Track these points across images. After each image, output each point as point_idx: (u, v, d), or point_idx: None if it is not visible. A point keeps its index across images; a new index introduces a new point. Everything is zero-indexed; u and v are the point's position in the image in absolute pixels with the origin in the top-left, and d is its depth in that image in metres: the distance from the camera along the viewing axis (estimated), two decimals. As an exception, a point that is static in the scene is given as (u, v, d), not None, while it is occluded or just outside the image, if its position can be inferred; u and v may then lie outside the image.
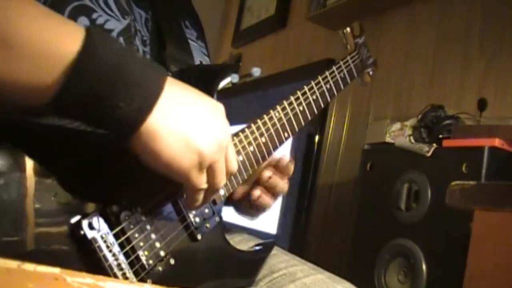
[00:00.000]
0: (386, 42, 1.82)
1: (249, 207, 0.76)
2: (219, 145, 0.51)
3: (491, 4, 1.48)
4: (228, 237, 0.67)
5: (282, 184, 0.76)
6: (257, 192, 0.74)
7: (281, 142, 0.72)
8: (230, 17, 3.04)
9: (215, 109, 0.53)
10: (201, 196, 0.54)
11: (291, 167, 0.77)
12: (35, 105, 0.44)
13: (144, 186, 0.55)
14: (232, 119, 0.95)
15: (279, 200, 1.97)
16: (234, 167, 0.55)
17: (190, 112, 0.50)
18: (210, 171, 0.52)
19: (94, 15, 0.59)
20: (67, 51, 0.43)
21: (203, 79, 0.64)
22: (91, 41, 0.43)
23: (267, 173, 0.74)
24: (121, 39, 0.62)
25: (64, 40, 0.43)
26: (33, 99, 0.44)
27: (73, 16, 0.57)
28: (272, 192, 0.76)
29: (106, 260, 0.50)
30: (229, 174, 0.55)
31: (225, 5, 3.19)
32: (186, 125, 0.48)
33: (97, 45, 0.44)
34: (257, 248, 0.74)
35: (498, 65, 1.41)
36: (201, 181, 0.51)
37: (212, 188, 0.53)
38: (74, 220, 0.49)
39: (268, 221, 2.04)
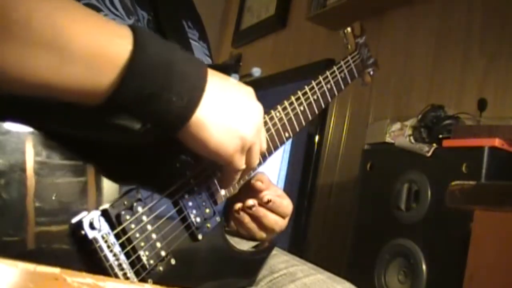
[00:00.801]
0: (386, 42, 1.82)
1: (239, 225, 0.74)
2: (257, 129, 0.55)
3: (491, 4, 1.48)
4: (228, 237, 0.67)
5: (273, 219, 0.72)
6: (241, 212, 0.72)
7: (281, 142, 0.72)
8: (230, 17, 3.04)
9: (249, 93, 0.56)
10: (238, 176, 0.58)
11: (285, 206, 0.73)
12: (86, 107, 0.45)
13: (145, 186, 0.55)
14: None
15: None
16: (265, 147, 0.60)
17: (231, 100, 0.53)
18: (249, 152, 0.56)
19: (100, 14, 0.59)
20: (120, 52, 0.44)
21: None
22: (140, 40, 0.45)
23: (250, 201, 0.71)
24: None
25: (115, 40, 0.44)
26: (86, 101, 0.44)
27: None
28: (260, 221, 0.72)
29: (107, 260, 0.50)
30: (262, 154, 0.60)
31: (225, 5, 3.19)
32: (229, 113, 0.52)
33: (146, 44, 0.45)
34: (258, 248, 0.74)
35: (498, 65, 1.41)
36: (242, 162, 0.56)
37: (249, 168, 0.58)
38: (75, 220, 0.49)
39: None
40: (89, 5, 0.58)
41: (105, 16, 0.59)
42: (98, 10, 0.59)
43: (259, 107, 0.56)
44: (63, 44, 0.41)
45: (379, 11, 1.86)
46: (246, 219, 0.73)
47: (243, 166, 0.56)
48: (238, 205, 0.73)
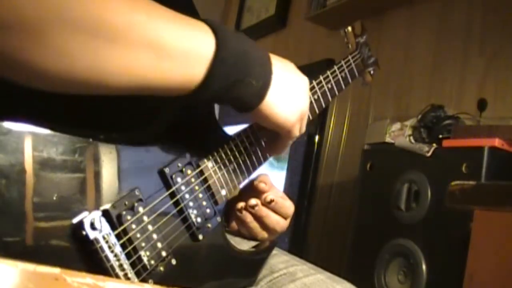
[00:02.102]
0: (386, 42, 1.82)
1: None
2: (309, 101, 0.63)
3: (491, 4, 1.48)
4: (229, 237, 0.67)
5: (275, 219, 0.72)
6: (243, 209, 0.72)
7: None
8: (230, 17, 3.04)
9: (296, 69, 0.62)
10: (291, 143, 0.66)
11: (287, 207, 0.73)
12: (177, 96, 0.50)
13: (146, 186, 0.55)
14: (233, 119, 0.95)
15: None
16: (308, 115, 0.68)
17: (290, 78, 0.59)
18: (302, 121, 0.63)
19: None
20: (207, 46, 0.49)
21: None
22: (220, 34, 0.50)
23: (253, 201, 0.71)
24: None
25: (201, 36, 0.49)
26: (178, 93, 0.50)
27: None
28: (262, 221, 0.72)
29: (108, 260, 0.50)
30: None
31: (225, 5, 3.19)
32: (292, 90, 0.59)
33: (226, 37, 0.50)
34: (258, 248, 0.73)
35: (498, 65, 1.41)
36: (298, 131, 0.63)
37: (300, 135, 0.66)
38: (76, 220, 0.49)
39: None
40: None
41: None
42: None
43: (306, 80, 0.63)
44: (161, 44, 0.46)
45: (379, 11, 1.86)
46: (249, 218, 0.73)
47: (298, 134, 0.64)
48: (241, 204, 0.73)
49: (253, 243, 0.80)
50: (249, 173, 0.67)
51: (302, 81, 0.62)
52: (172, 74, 0.47)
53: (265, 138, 0.68)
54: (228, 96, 0.52)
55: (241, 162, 0.65)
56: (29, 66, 0.41)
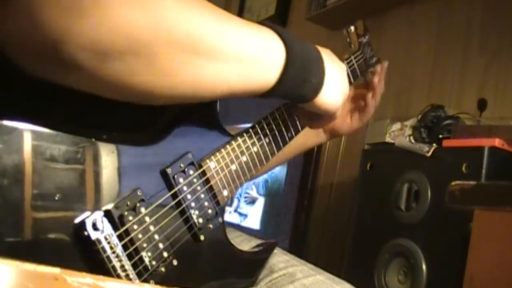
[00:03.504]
0: (386, 42, 1.82)
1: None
2: (348, 85, 0.68)
3: (491, 4, 1.48)
4: (229, 236, 0.67)
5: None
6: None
7: (284, 143, 0.72)
8: (230, 17, 3.04)
9: (336, 58, 0.67)
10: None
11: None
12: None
13: (148, 187, 0.55)
14: (233, 119, 0.95)
15: (279, 200, 1.97)
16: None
17: (336, 69, 0.64)
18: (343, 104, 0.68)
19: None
20: (278, 52, 0.54)
21: None
22: (286, 39, 0.55)
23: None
24: None
25: (272, 44, 0.54)
26: (255, 95, 0.55)
27: None
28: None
29: (110, 261, 0.50)
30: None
31: (225, 5, 3.19)
32: (338, 79, 0.64)
33: (291, 42, 0.55)
34: (259, 248, 0.74)
35: (498, 65, 1.41)
36: (340, 112, 0.68)
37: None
38: (77, 220, 0.49)
39: (268, 221, 2.04)
40: None
41: None
42: None
43: (344, 66, 0.69)
44: (245, 54, 0.51)
45: (379, 11, 1.86)
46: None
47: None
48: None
49: (254, 243, 0.80)
50: (251, 173, 0.67)
51: (342, 69, 0.67)
52: (252, 80, 0.53)
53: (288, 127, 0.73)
54: (292, 94, 0.58)
55: (243, 162, 0.65)
56: (139, 89, 0.45)
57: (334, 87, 0.64)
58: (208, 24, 0.48)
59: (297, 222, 1.88)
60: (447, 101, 1.48)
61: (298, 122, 0.74)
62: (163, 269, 0.55)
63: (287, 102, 0.74)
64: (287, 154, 0.91)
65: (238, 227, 2.03)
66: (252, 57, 0.52)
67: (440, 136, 1.24)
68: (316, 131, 0.93)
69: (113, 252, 0.50)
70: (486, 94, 1.39)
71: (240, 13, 2.87)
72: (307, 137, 0.90)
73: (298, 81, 0.57)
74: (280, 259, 0.77)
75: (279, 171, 1.97)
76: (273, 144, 0.70)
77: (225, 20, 0.52)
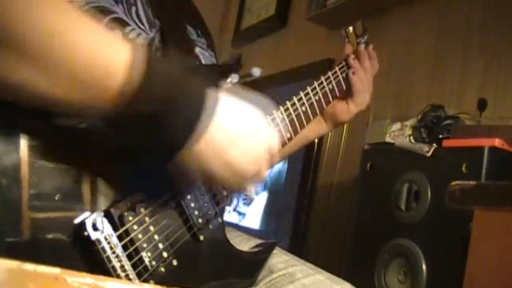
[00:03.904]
0: (386, 42, 1.82)
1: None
2: (258, 165, 0.56)
3: (491, 4, 1.48)
4: (228, 236, 0.67)
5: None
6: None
7: (283, 143, 0.72)
8: (230, 17, 3.04)
9: (256, 126, 0.56)
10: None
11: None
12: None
13: (148, 188, 0.55)
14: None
15: (279, 200, 1.97)
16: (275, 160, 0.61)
17: (244, 123, 0.54)
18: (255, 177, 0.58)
19: (127, 29, 0.60)
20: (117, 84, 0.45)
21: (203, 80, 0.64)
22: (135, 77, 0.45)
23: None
24: None
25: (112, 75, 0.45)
26: (97, 113, 0.47)
27: (109, 29, 0.57)
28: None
29: (110, 261, 0.50)
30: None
31: (225, 5, 3.19)
32: (231, 151, 0.52)
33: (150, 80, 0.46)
34: (259, 248, 0.74)
35: (498, 65, 1.41)
36: (243, 187, 0.58)
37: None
38: (77, 220, 0.49)
39: (268, 221, 2.04)
40: (117, 19, 0.58)
41: (132, 30, 0.60)
42: (126, 24, 0.60)
43: (263, 136, 0.56)
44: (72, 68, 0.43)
45: (379, 11, 1.86)
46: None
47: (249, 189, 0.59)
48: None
49: (253, 243, 0.80)
50: None
51: (254, 138, 0.55)
52: (82, 100, 0.45)
53: None
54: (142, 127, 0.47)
55: None
56: None
57: (224, 162, 0.52)
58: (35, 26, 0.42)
59: (297, 222, 1.88)
60: (447, 101, 1.48)
61: (296, 123, 0.74)
62: (163, 269, 0.55)
63: (285, 102, 0.74)
64: (290, 148, 0.89)
65: (237, 226, 2.04)
66: (80, 80, 0.44)
67: (440, 136, 1.24)
68: (317, 121, 0.91)
69: (113, 253, 0.50)
70: (486, 94, 1.39)
71: (240, 13, 2.87)
72: (309, 129, 0.86)
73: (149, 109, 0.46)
74: (279, 259, 0.77)
75: (279, 171, 1.97)
76: None
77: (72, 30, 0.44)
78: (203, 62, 0.75)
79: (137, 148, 0.49)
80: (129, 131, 0.47)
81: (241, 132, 0.53)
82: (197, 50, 0.76)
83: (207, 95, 0.49)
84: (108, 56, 0.45)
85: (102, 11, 0.57)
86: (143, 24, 0.62)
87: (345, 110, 0.92)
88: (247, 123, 0.54)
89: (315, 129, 0.92)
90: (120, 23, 0.59)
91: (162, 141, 0.48)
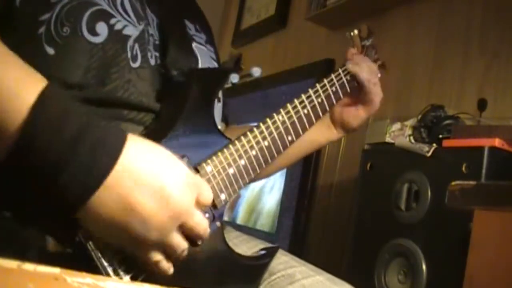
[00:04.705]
0: (386, 42, 1.82)
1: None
2: (163, 228, 0.50)
3: (491, 4, 1.48)
4: (227, 237, 0.66)
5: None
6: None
7: (284, 146, 0.71)
8: (230, 17, 3.04)
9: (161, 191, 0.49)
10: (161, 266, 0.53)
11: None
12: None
13: None
14: (232, 119, 0.95)
15: (279, 200, 1.97)
16: (198, 231, 0.54)
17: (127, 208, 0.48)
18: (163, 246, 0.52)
19: (113, 21, 0.59)
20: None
21: (203, 84, 0.64)
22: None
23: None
24: (136, 46, 0.62)
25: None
26: None
27: (92, 22, 0.57)
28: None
29: (102, 266, 0.49)
30: (197, 238, 0.55)
31: (225, 5, 3.19)
32: (137, 195, 0.48)
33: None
34: (260, 253, 0.73)
35: (498, 65, 1.41)
36: (155, 258, 0.52)
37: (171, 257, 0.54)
38: (70, 225, 0.49)
39: (268, 221, 2.04)
40: (101, 11, 0.58)
41: (117, 22, 0.60)
42: (110, 16, 0.59)
43: (171, 203, 0.49)
44: None
45: (379, 11, 1.86)
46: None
47: (155, 259, 0.52)
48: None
49: (253, 244, 0.79)
50: (250, 176, 0.66)
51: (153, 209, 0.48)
52: None
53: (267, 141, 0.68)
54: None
55: (241, 165, 0.65)
56: None
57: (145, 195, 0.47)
58: None
59: (297, 222, 1.88)
60: (447, 101, 1.48)
61: (298, 126, 0.74)
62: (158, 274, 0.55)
63: (286, 105, 0.74)
64: (297, 152, 0.89)
65: (237, 226, 2.03)
66: None
67: (440, 136, 1.24)
68: (328, 126, 0.91)
69: (106, 257, 0.50)
70: (486, 94, 1.39)
71: (240, 13, 2.87)
72: (319, 134, 0.87)
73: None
74: (279, 260, 0.76)
75: (279, 171, 1.97)
76: (272, 148, 0.69)
77: None
78: (199, 59, 0.75)
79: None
80: (22, 182, 0.45)
81: (150, 180, 0.48)
82: (194, 45, 0.76)
83: (104, 145, 0.46)
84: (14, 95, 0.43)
85: (85, 2, 0.57)
86: (129, 16, 0.62)
87: (355, 115, 0.92)
88: (159, 166, 0.49)
89: (326, 135, 0.92)
90: (104, 14, 0.59)
91: (60, 193, 0.45)
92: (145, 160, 0.49)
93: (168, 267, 0.53)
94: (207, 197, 0.55)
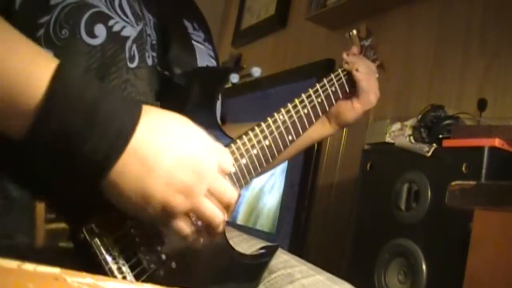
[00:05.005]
0: (386, 42, 1.82)
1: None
2: (190, 191, 0.48)
3: (491, 4, 1.48)
4: (228, 236, 0.66)
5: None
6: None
7: (285, 145, 0.72)
8: (230, 17, 3.04)
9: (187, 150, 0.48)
10: (191, 235, 0.51)
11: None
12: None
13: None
14: (232, 119, 0.95)
15: (279, 200, 1.96)
16: (229, 196, 0.51)
17: (184, 145, 0.48)
18: (195, 214, 0.50)
19: (111, 22, 0.59)
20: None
21: (204, 83, 0.64)
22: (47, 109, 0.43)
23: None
24: (134, 46, 0.62)
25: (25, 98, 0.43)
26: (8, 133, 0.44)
27: (90, 24, 0.57)
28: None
29: (106, 263, 0.50)
30: (227, 206, 0.52)
31: (225, 5, 3.19)
32: (164, 161, 0.46)
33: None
34: (260, 252, 0.73)
35: (498, 65, 1.41)
36: (183, 227, 0.50)
37: (206, 229, 0.52)
38: (75, 223, 0.49)
39: (268, 221, 2.04)
40: (99, 13, 0.58)
41: (116, 23, 0.60)
42: (108, 17, 0.59)
43: (198, 162, 0.48)
44: None
45: (379, 11, 1.86)
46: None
47: (187, 230, 0.50)
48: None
49: (253, 243, 0.79)
50: (251, 175, 0.67)
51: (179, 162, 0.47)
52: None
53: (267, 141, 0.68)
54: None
55: (242, 164, 0.65)
56: None
57: (136, 190, 0.46)
58: None
59: (297, 222, 1.88)
60: (447, 101, 1.48)
61: (298, 125, 0.74)
62: (161, 272, 0.55)
63: (286, 104, 0.74)
64: (293, 149, 0.88)
65: (237, 226, 2.03)
66: None
67: (440, 136, 1.24)
68: (322, 122, 0.91)
69: (110, 255, 0.50)
70: (486, 94, 1.39)
71: (240, 13, 2.87)
72: (313, 130, 0.85)
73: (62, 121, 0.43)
74: (279, 259, 0.77)
75: (279, 171, 1.97)
76: (273, 147, 0.70)
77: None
78: (198, 57, 0.75)
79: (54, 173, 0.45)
80: (42, 157, 0.44)
81: (172, 142, 0.47)
82: (192, 43, 0.76)
83: (126, 109, 0.46)
84: (27, 72, 0.44)
85: (84, 5, 0.57)
86: (127, 17, 0.62)
87: (350, 110, 0.91)
88: (180, 134, 0.48)
89: (319, 130, 0.92)
90: (102, 16, 0.59)
91: (79, 166, 0.44)
92: (167, 122, 0.48)
93: (196, 238, 0.51)
94: (228, 163, 0.53)
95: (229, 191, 0.52)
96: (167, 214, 0.48)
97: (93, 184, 0.45)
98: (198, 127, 0.51)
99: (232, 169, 0.54)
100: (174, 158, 0.47)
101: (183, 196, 0.47)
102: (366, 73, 0.88)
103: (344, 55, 0.87)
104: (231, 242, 0.66)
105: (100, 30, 0.58)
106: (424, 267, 1.13)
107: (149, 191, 0.46)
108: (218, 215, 0.51)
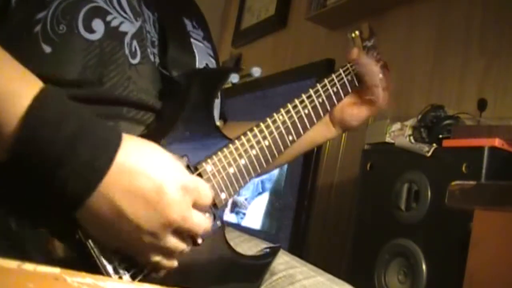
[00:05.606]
0: (386, 42, 1.82)
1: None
2: (156, 236, 0.50)
3: (491, 4, 1.48)
4: (228, 237, 0.66)
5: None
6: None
7: (285, 146, 0.71)
8: (230, 17, 3.04)
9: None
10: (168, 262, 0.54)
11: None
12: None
13: None
14: (233, 119, 0.95)
15: (279, 200, 1.95)
16: (199, 233, 0.54)
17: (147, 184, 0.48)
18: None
19: (109, 17, 0.59)
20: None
21: (204, 84, 0.64)
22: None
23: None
24: (134, 42, 0.62)
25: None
26: None
27: (88, 19, 0.57)
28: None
29: (102, 263, 0.49)
30: (197, 238, 0.55)
31: (225, 5, 3.19)
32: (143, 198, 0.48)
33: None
34: (262, 253, 0.73)
35: (498, 65, 1.41)
36: (156, 258, 0.53)
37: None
38: (70, 223, 0.49)
39: (268, 221, 2.04)
40: (97, 8, 0.58)
41: (114, 19, 0.60)
42: (106, 13, 0.59)
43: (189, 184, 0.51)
44: None
45: (379, 11, 1.86)
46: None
47: (157, 259, 0.53)
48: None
49: (254, 243, 0.79)
50: (250, 176, 0.66)
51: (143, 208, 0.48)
52: None
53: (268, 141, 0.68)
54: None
55: (241, 165, 0.65)
56: None
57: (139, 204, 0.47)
58: None
59: (297, 222, 1.88)
60: (447, 101, 1.48)
61: (299, 125, 0.74)
62: (161, 272, 0.55)
63: (286, 104, 0.73)
64: (296, 151, 0.88)
65: (238, 226, 2.03)
66: None
67: (440, 136, 1.24)
68: (326, 124, 0.90)
69: (105, 254, 0.50)
70: (486, 94, 1.39)
71: (240, 13, 2.87)
72: (315, 132, 0.85)
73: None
74: (280, 260, 0.76)
75: (279, 171, 1.97)
76: (273, 147, 0.69)
77: None
78: (196, 55, 0.75)
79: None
80: (20, 181, 0.45)
81: (144, 189, 0.48)
82: (191, 41, 0.76)
83: (102, 148, 0.46)
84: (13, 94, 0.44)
85: (81, 0, 0.57)
86: (125, 13, 0.62)
87: (356, 114, 0.91)
88: (155, 163, 0.49)
89: (323, 133, 0.91)
90: (100, 11, 0.59)
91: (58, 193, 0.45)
92: (141, 162, 0.49)
93: (170, 264, 0.54)
94: (206, 197, 0.55)
95: (198, 227, 0.54)
96: (135, 248, 0.51)
97: (68, 213, 0.47)
98: (176, 163, 0.52)
99: (209, 202, 0.55)
100: (143, 203, 0.48)
101: (151, 237, 0.50)
102: (374, 78, 0.87)
103: (353, 55, 0.86)
104: (231, 243, 0.65)
105: (98, 25, 0.58)
106: (424, 267, 1.13)
107: (120, 231, 0.49)
108: (180, 248, 0.53)
